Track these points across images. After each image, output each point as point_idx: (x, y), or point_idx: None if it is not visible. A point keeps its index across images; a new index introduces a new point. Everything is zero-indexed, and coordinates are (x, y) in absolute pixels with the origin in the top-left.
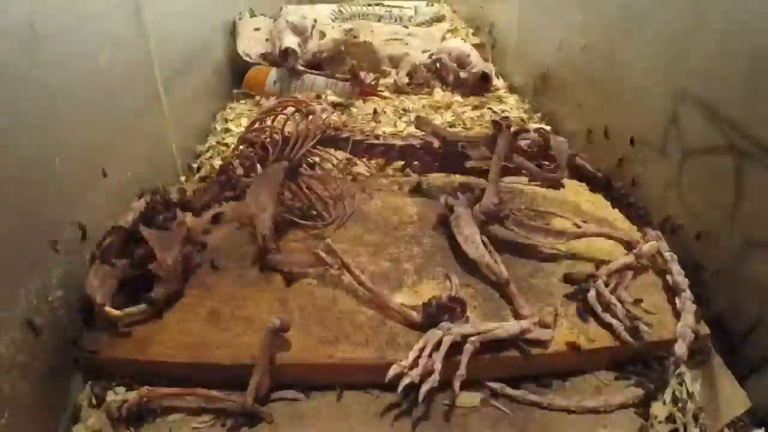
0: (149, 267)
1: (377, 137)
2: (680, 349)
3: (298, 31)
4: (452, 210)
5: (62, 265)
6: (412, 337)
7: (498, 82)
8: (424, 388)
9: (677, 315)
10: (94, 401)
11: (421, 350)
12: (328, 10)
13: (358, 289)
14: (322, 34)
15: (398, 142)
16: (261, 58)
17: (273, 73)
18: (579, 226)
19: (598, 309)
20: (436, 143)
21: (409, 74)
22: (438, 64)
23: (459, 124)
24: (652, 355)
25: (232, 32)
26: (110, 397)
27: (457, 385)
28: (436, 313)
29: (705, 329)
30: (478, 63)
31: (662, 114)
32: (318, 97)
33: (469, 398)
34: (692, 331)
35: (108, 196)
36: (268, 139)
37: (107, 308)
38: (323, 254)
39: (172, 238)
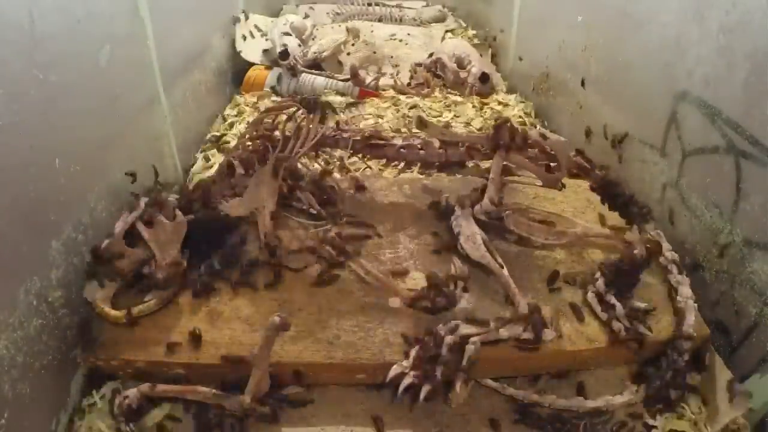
0: (145, 271)
1: (377, 137)
2: (681, 348)
3: (297, 31)
4: (453, 210)
5: (62, 265)
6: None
7: (498, 82)
8: (425, 389)
9: (678, 314)
10: (94, 400)
11: (423, 350)
12: (328, 10)
13: (359, 290)
14: (322, 34)
15: (398, 142)
16: (261, 59)
17: (272, 73)
18: (579, 226)
19: (598, 309)
20: (436, 143)
21: (410, 74)
22: (438, 64)
23: (459, 124)
24: (652, 355)
25: (232, 32)
26: (110, 396)
27: (458, 385)
28: (440, 286)
29: (705, 329)
30: (478, 63)
31: (662, 114)
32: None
33: (469, 398)
34: (692, 331)
35: (108, 196)
36: (268, 139)
37: (107, 309)
38: (325, 250)
39: (172, 238)
